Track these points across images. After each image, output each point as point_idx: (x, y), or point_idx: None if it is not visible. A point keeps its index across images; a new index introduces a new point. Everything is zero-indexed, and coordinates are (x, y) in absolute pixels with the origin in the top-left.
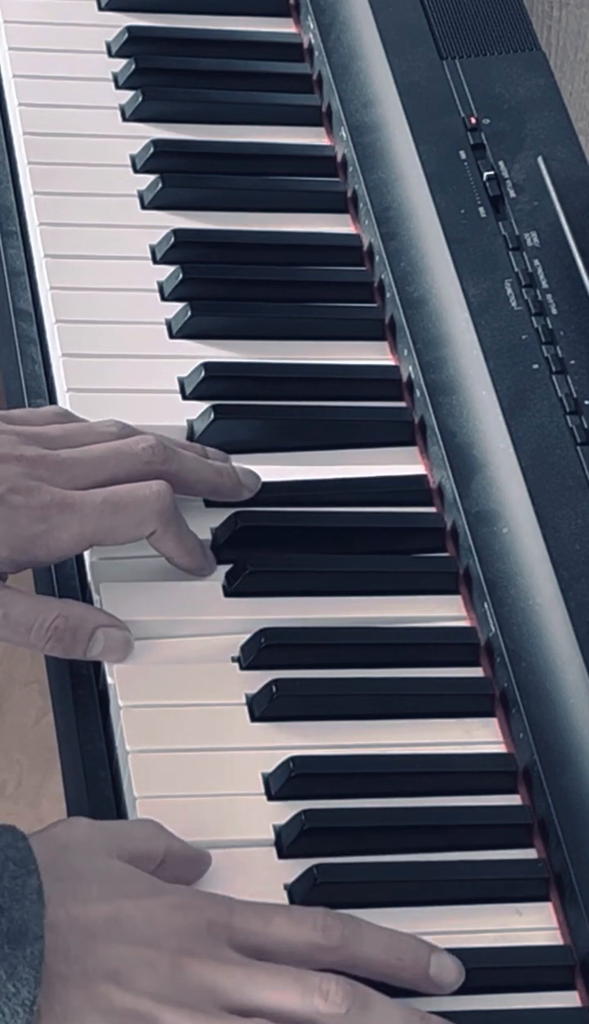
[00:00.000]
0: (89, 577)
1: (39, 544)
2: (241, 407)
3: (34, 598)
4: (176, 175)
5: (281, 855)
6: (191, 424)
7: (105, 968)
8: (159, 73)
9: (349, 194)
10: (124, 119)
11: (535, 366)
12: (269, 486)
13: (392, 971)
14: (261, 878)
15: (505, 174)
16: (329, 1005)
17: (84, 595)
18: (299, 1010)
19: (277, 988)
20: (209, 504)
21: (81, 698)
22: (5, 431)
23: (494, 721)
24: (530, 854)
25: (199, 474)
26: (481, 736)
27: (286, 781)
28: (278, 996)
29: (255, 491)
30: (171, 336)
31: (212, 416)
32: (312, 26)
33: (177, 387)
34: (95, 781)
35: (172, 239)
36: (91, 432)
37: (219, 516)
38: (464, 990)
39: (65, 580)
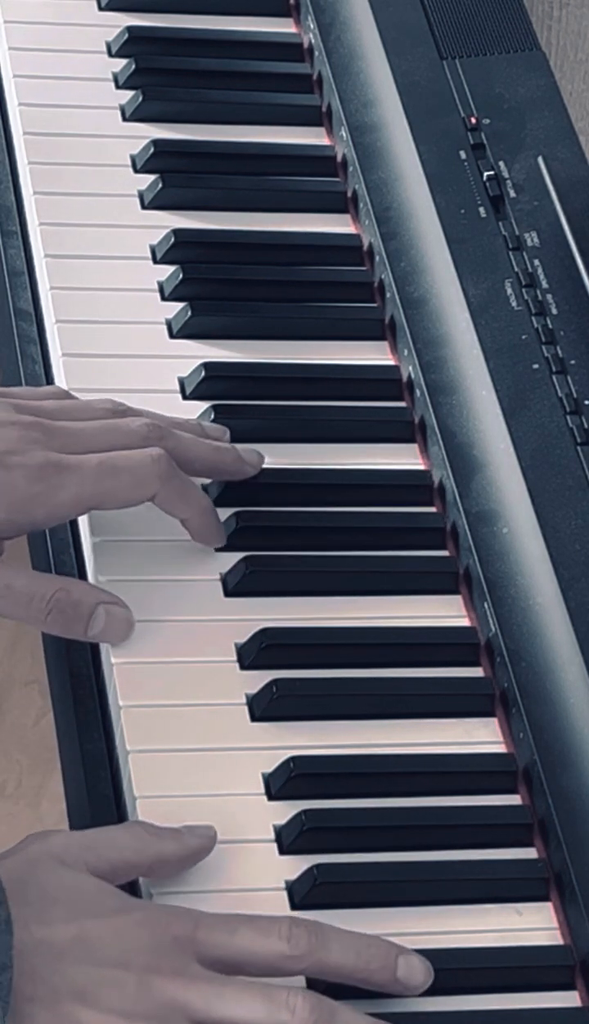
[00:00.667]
0: (89, 577)
1: (37, 504)
2: (241, 407)
3: (37, 573)
4: (176, 175)
5: (281, 855)
6: None
7: (72, 988)
8: (159, 73)
9: (349, 194)
10: (124, 119)
11: (535, 366)
12: (269, 485)
13: (361, 975)
14: (261, 878)
15: (505, 174)
16: (296, 1019)
17: None
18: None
19: (244, 1003)
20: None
21: (81, 698)
22: (1, 402)
23: (494, 721)
24: (530, 854)
25: (196, 452)
26: (481, 736)
27: (286, 781)
28: (245, 1011)
29: (257, 469)
30: (171, 336)
31: (212, 416)
32: (312, 26)
33: (177, 387)
34: (95, 781)
35: (172, 239)
36: (87, 408)
37: (219, 516)
38: (464, 990)
39: None
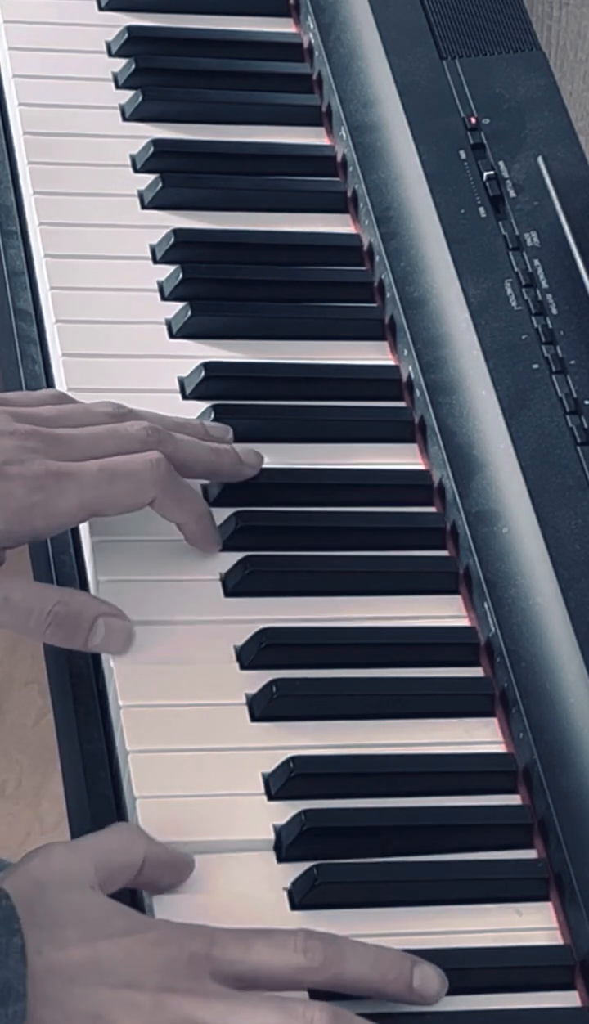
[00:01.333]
0: (89, 577)
1: (37, 514)
2: (241, 407)
3: (35, 584)
4: (176, 175)
5: (281, 855)
6: None
7: (86, 1011)
8: (159, 73)
9: (349, 194)
10: (124, 119)
11: (535, 366)
12: (269, 485)
13: (376, 987)
14: (261, 878)
15: (505, 174)
16: None
17: None
18: None
19: (260, 1018)
20: (212, 504)
21: (81, 698)
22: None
23: (494, 721)
24: (530, 854)
25: (195, 454)
26: (481, 736)
27: (286, 781)
28: None
29: (257, 470)
30: (171, 336)
31: (212, 416)
32: (312, 26)
33: (177, 387)
34: (95, 781)
35: (172, 239)
36: (86, 413)
37: (219, 516)
38: (464, 990)
39: (65, 581)
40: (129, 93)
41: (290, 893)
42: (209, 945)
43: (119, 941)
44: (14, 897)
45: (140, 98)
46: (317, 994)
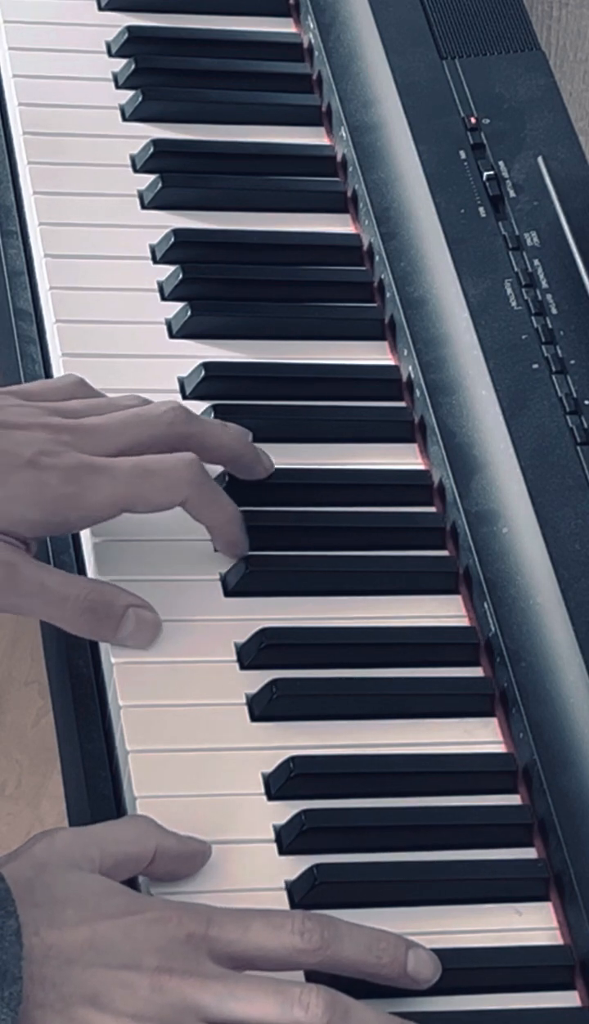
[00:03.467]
0: (89, 576)
1: (71, 506)
2: (241, 407)
3: (68, 573)
4: (176, 175)
5: (281, 855)
6: None
7: (83, 992)
8: (159, 73)
9: (349, 194)
10: (124, 119)
11: (535, 366)
12: (269, 485)
13: (371, 969)
14: (261, 878)
15: (505, 174)
16: (309, 1016)
17: None
18: (280, 1021)
19: (257, 1002)
20: None
21: (81, 698)
22: (26, 405)
23: (494, 721)
24: (530, 854)
25: (220, 439)
26: (481, 736)
27: (286, 781)
28: (258, 1009)
29: (270, 472)
30: (171, 336)
31: (212, 416)
32: (312, 26)
33: (177, 387)
34: (95, 781)
35: (172, 239)
36: (112, 405)
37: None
38: (464, 990)
39: None
40: (129, 93)
41: (290, 893)
42: (207, 925)
43: (117, 921)
44: (14, 879)
45: (140, 98)
46: (320, 978)
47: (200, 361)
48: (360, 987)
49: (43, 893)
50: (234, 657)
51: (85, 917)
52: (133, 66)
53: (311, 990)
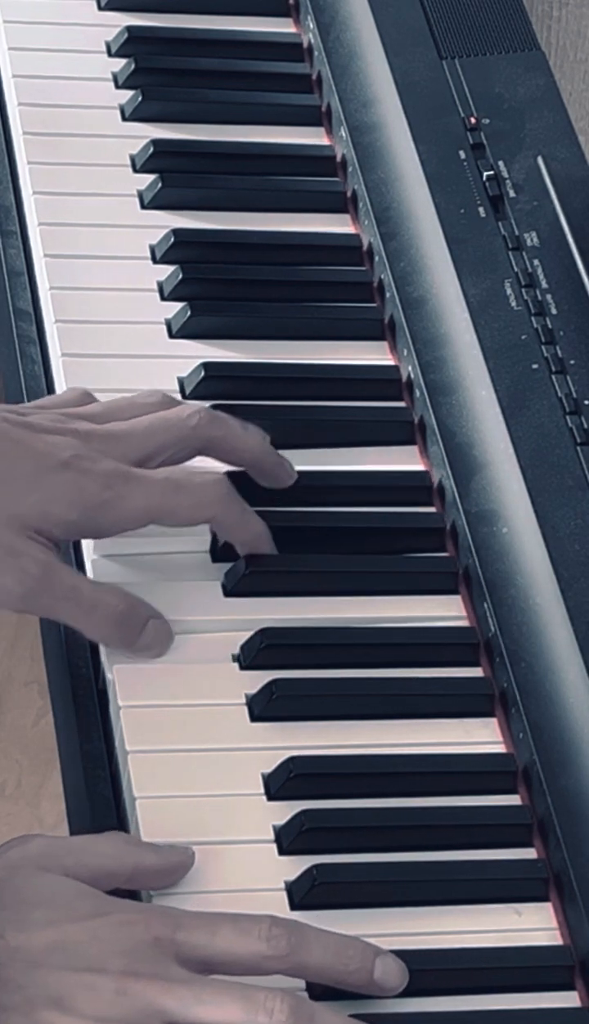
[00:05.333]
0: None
1: (106, 511)
2: (241, 407)
3: (95, 580)
4: (176, 175)
5: (281, 855)
6: None
7: (48, 994)
8: (159, 73)
9: (349, 194)
10: (124, 119)
11: (535, 366)
12: None
13: (338, 976)
14: (261, 878)
15: (505, 174)
16: (273, 1021)
17: None
18: None
19: (222, 1005)
20: None
21: (81, 698)
22: (49, 411)
23: (494, 721)
24: (530, 854)
25: (245, 442)
26: (481, 736)
27: (286, 781)
28: (223, 1014)
29: (293, 480)
30: (171, 336)
31: None
32: (312, 26)
33: (177, 387)
34: (95, 781)
35: (172, 239)
36: (133, 405)
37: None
38: (464, 990)
39: None
40: (129, 93)
41: (289, 893)
42: (174, 929)
43: (85, 924)
44: None
45: (140, 98)
46: (315, 993)
47: (200, 361)
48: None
49: (11, 895)
50: (234, 657)
51: (53, 920)
52: (133, 66)
53: (276, 996)
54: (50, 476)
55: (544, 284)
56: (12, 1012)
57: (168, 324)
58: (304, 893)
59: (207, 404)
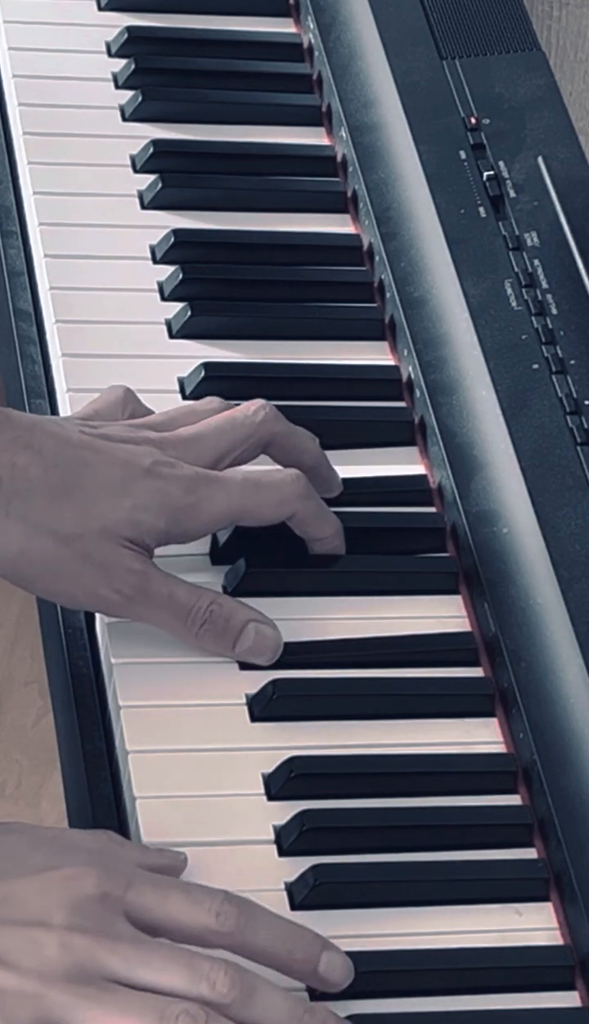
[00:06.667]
0: None
1: (191, 515)
2: None
3: (192, 584)
4: (176, 175)
5: (281, 855)
6: None
7: None
8: (159, 73)
9: (349, 194)
10: (124, 119)
11: (535, 366)
12: None
13: (282, 962)
14: (261, 879)
15: (505, 174)
16: (215, 993)
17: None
18: (185, 994)
19: (165, 970)
20: None
21: (81, 698)
22: (115, 424)
23: (494, 721)
24: (530, 854)
25: (306, 444)
26: (481, 736)
27: (286, 781)
28: (165, 978)
29: (340, 491)
30: (171, 336)
31: None
32: (312, 26)
33: (177, 387)
34: (95, 781)
35: (172, 239)
36: (194, 412)
37: None
38: (464, 990)
39: None
40: (129, 93)
41: (289, 893)
42: (125, 888)
43: (34, 878)
44: None
45: (140, 98)
46: (314, 994)
47: (200, 361)
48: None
49: None
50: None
51: (2, 873)
52: (133, 66)
53: (219, 967)
54: (136, 484)
55: (544, 284)
56: None
57: (168, 324)
58: (304, 894)
59: None
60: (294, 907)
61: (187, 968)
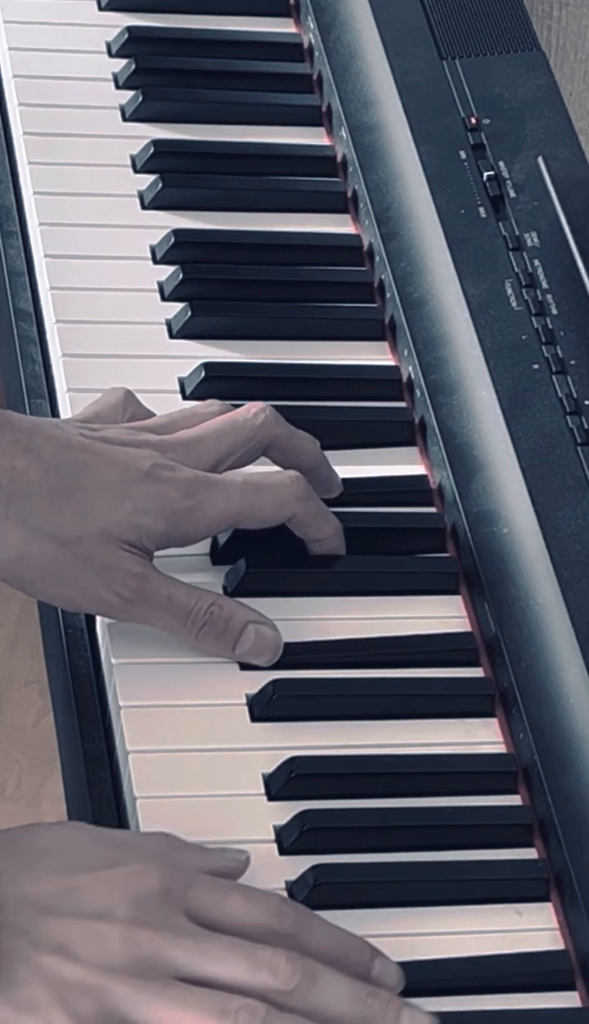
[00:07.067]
0: None
1: (191, 519)
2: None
3: (191, 586)
4: (176, 175)
5: (281, 855)
6: None
7: (54, 941)
8: (159, 73)
9: (349, 194)
10: (124, 119)
11: (535, 366)
12: None
13: (337, 967)
14: (261, 879)
15: (505, 174)
16: (278, 980)
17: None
18: (248, 984)
19: (227, 961)
20: None
21: (81, 698)
22: (115, 427)
23: (494, 721)
24: (530, 854)
25: (304, 445)
26: (481, 736)
27: (286, 781)
28: (228, 969)
29: (340, 489)
30: (171, 336)
31: None
32: (312, 26)
33: (177, 387)
34: (95, 781)
35: (172, 239)
36: (195, 415)
37: None
38: (464, 990)
39: None
40: (129, 93)
41: (290, 893)
42: (186, 886)
43: (98, 873)
44: (5, 834)
45: (140, 98)
46: None
47: (200, 361)
48: None
49: (28, 843)
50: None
51: (65, 867)
52: (133, 66)
53: (280, 955)
54: (136, 487)
55: (544, 284)
56: (16, 958)
57: (168, 324)
58: (305, 894)
59: None
60: None
61: (248, 958)
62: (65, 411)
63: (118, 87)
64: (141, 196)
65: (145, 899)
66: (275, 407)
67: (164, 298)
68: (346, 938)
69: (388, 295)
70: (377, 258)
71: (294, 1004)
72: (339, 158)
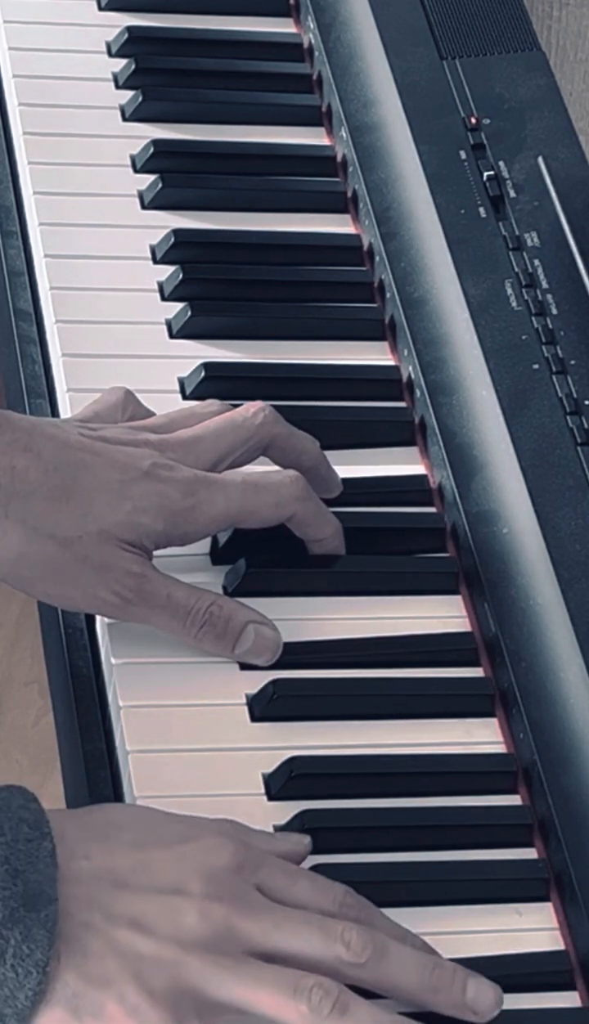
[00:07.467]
0: None
1: (190, 518)
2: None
3: (191, 585)
4: (176, 175)
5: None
6: None
7: (129, 915)
8: (159, 73)
9: (349, 194)
10: (124, 119)
11: (535, 366)
12: None
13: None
14: None
15: (505, 174)
16: (350, 954)
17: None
18: (321, 957)
19: (301, 935)
20: None
21: (81, 698)
22: (115, 426)
23: (494, 721)
24: (530, 854)
25: (304, 444)
26: (481, 736)
27: (286, 781)
28: (302, 943)
29: (339, 491)
30: (171, 336)
31: None
32: (312, 26)
33: (177, 387)
34: (95, 781)
35: (172, 239)
36: (194, 415)
37: None
38: None
39: None
40: (129, 93)
41: None
42: (258, 866)
43: (172, 848)
44: (77, 811)
45: (140, 98)
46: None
47: (200, 361)
48: None
49: (101, 817)
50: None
51: (139, 842)
52: (133, 66)
53: (351, 928)
54: (135, 487)
55: (544, 284)
56: (90, 931)
57: (168, 324)
58: None
59: None
60: None
61: (321, 931)
62: (65, 411)
63: (118, 87)
64: (141, 196)
65: (219, 874)
66: (275, 407)
67: (164, 298)
68: (405, 932)
69: (388, 295)
70: (377, 258)
71: (365, 976)
72: (339, 158)
